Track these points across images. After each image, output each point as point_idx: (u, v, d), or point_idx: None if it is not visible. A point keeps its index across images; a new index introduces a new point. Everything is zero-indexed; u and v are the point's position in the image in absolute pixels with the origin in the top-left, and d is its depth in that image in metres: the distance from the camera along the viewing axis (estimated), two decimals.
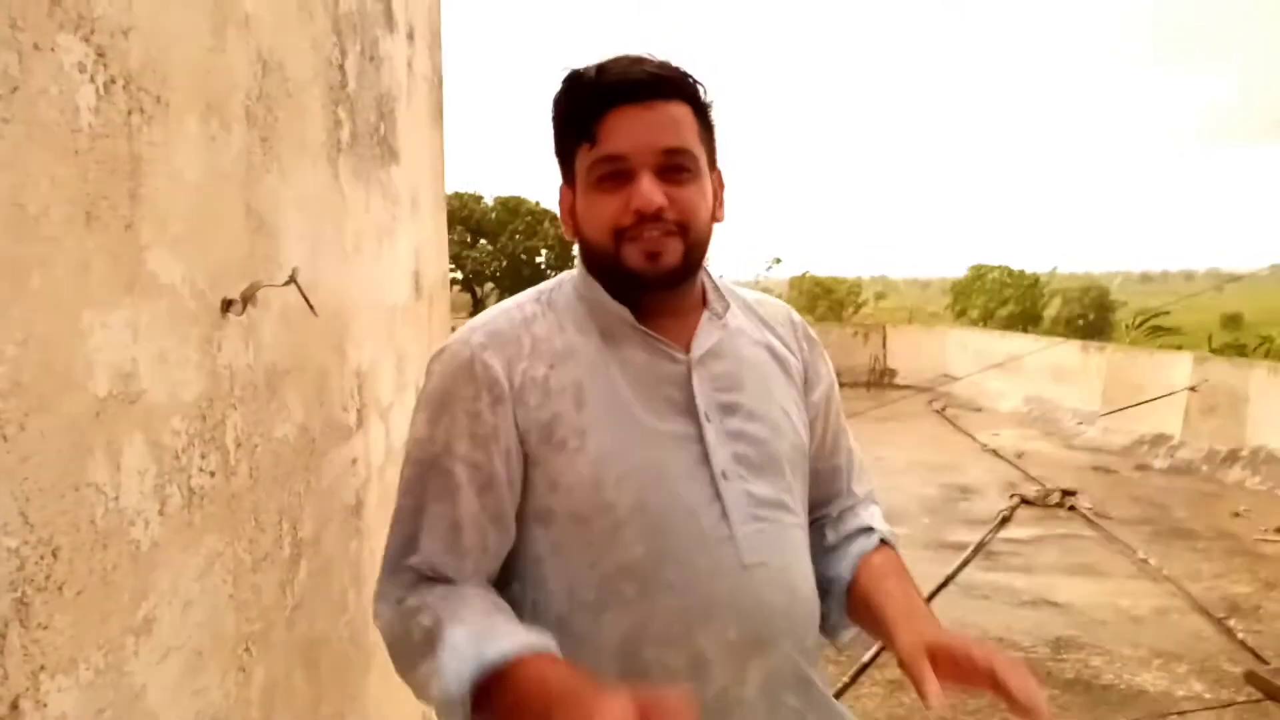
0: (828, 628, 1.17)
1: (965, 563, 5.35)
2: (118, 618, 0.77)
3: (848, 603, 1.15)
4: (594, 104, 1.03)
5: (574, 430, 1.04)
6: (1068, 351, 10.66)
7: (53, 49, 0.68)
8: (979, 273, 33.53)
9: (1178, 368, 8.80)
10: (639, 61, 1.04)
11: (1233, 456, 7.78)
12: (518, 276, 24.98)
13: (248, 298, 1.04)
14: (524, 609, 1.05)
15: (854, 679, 3.75)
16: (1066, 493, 6.90)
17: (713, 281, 1.16)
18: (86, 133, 0.73)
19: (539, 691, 0.87)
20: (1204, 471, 7.85)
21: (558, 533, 1.05)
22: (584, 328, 1.09)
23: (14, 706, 0.63)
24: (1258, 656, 4.01)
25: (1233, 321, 38.89)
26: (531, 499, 1.06)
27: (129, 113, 0.80)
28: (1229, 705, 3.60)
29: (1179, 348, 12.11)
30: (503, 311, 1.12)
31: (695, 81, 1.07)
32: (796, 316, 1.26)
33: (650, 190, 1.01)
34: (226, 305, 1.00)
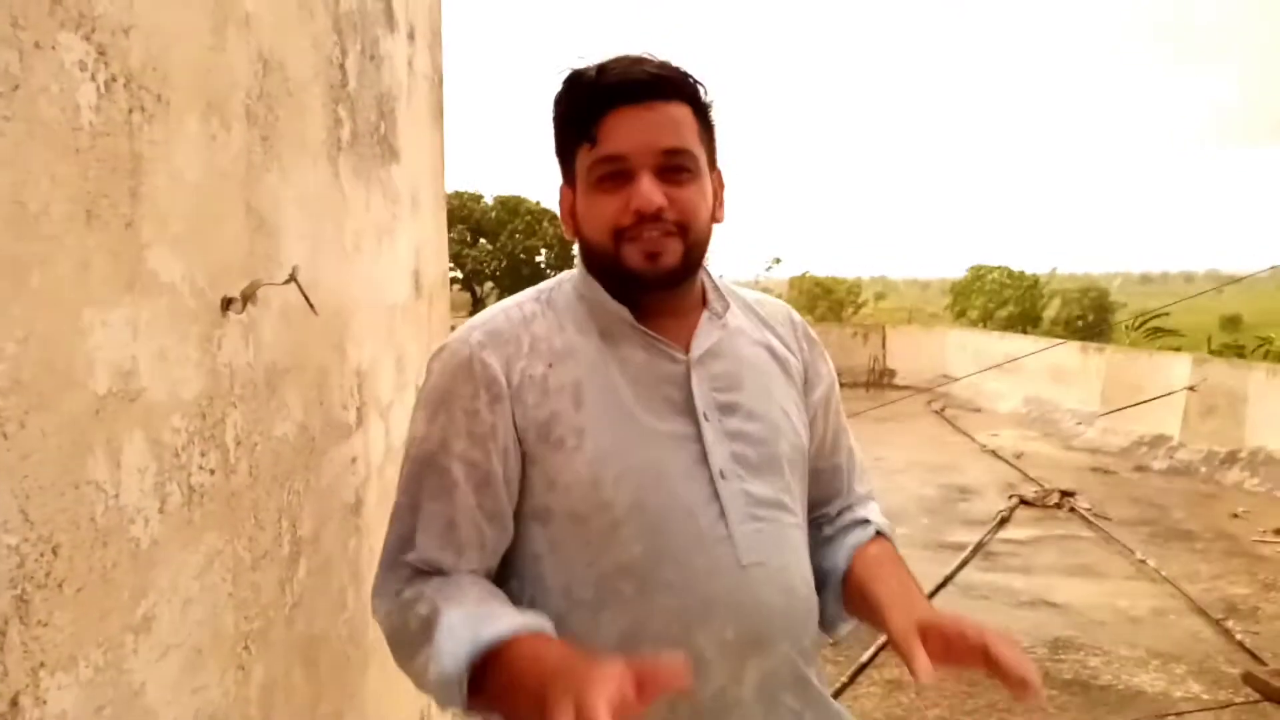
0: (824, 620, 1.17)
1: (964, 563, 5.36)
2: (117, 615, 0.77)
3: (843, 593, 1.15)
4: (594, 104, 1.03)
5: (572, 429, 1.04)
6: (1067, 352, 10.67)
7: (53, 47, 0.69)
8: (978, 273, 33.52)
9: (1177, 369, 8.81)
10: (639, 62, 1.04)
11: (1231, 458, 7.79)
12: (517, 276, 24.99)
13: (248, 296, 1.04)
14: (522, 607, 1.05)
15: (852, 679, 3.75)
16: (1065, 493, 6.91)
17: (713, 281, 1.16)
18: (87, 131, 0.73)
19: (534, 669, 0.87)
20: (1202, 473, 7.86)
21: (556, 531, 1.05)
22: (583, 327, 1.09)
23: (14, 703, 0.64)
24: (1255, 657, 4.02)
25: (1232, 323, 38.91)
26: (529, 497, 1.06)
27: (130, 111, 0.80)
28: (1226, 706, 3.60)
29: (1178, 349, 12.12)
30: (502, 310, 1.12)
31: (695, 82, 1.07)
32: (797, 316, 1.26)
33: (650, 190, 1.02)
34: (226, 304, 1.00)
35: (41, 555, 0.67)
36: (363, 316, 1.66)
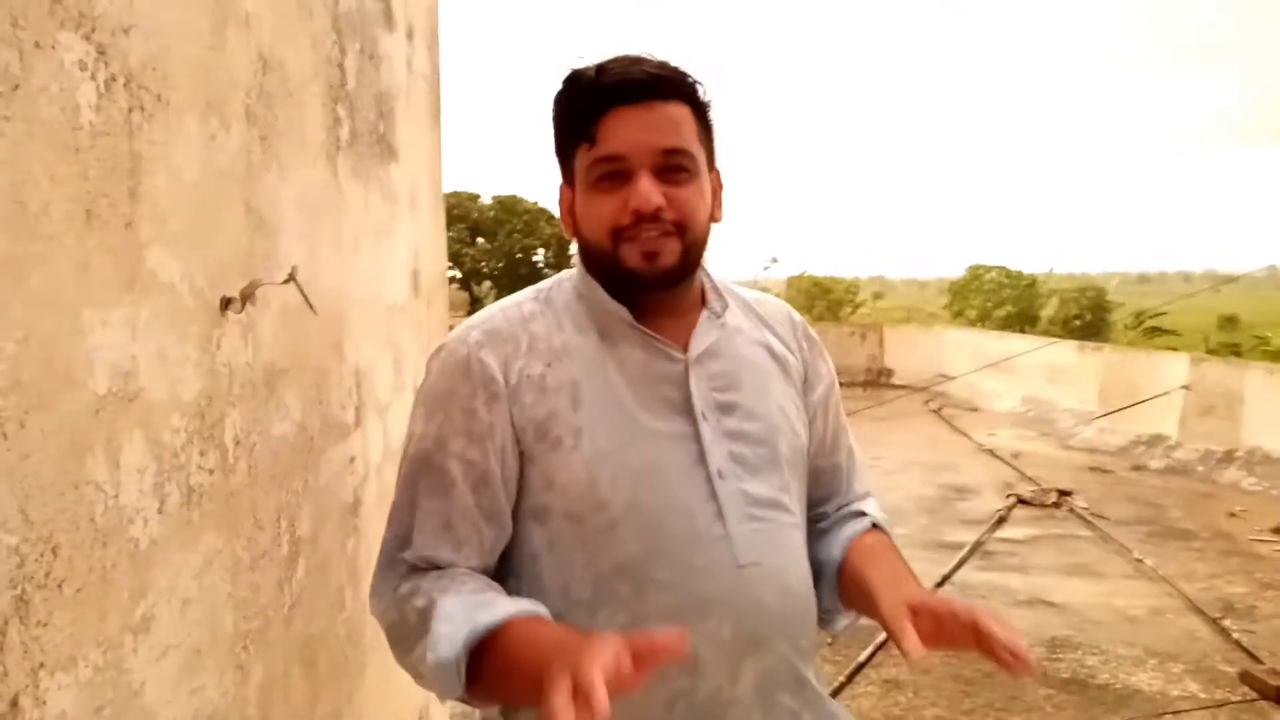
0: (821, 613, 1.17)
1: (962, 562, 5.36)
2: (117, 615, 0.77)
3: (839, 583, 1.15)
4: (593, 104, 1.03)
5: (570, 428, 1.04)
6: (1064, 352, 10.68)
7: (53, 47, 0.69)
8: (976, 273, 33.56)
9: (1174, 368, 8.82)
10: (638, 62, 1.05)
11: (1228, 457, 7.80)
12: (515, 275, 25.00)
13: (247, 296, 1.04)
14: None
15: (850, 678, 3.75)
16: (1063, 493, 6.91)
17: (712, 281, 1.16)
18: (87, 131, 0.73)
19: (530, 652, 0.87)
20: (1200, 472, 7.87)
21: (553, 530, 1.05)
22: (582, 326, 1.09)
23: (14, 704, 0.64)
24: (1252, 656, 4.03)
25: (1229, 322, 38.97)
26: (527, 496, 1.06)
27: (129, 111, 0.80)
28: (1224, 705, 3.61)
29: (1175, 349, 12.14)
30: (501, 310, 1.12)
31: (694, 82, 1.07)
32: (796, 316, 1.26)
33: (648, 190, 1.02)
34: (225, 303, 1.00)
35: (41, 555, 0.67)
36: (361, 316, 1.66)
